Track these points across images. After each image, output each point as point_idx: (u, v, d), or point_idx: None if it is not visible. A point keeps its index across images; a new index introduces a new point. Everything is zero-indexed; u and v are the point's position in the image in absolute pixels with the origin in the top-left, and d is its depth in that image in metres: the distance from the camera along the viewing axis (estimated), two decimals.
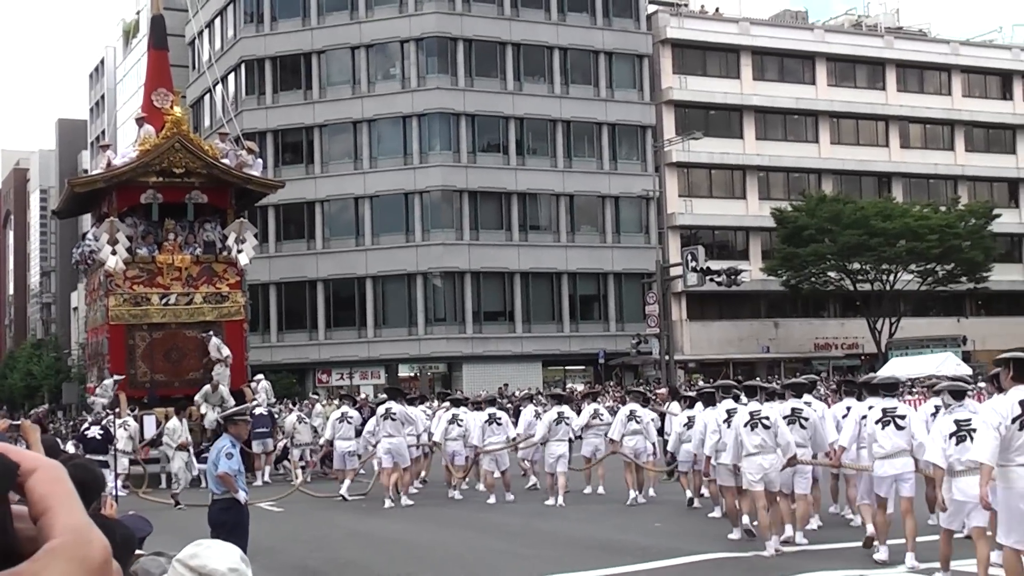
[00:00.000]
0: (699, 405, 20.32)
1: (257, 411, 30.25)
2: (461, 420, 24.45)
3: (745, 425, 15.79)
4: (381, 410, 23.91)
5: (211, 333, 30.81)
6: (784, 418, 16.12)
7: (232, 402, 28.25)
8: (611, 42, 67.93)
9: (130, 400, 30.24)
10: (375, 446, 24.37)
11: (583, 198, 66.60)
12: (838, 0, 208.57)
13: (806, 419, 16.53)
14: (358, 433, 25.90)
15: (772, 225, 66.70)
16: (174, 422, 26.51)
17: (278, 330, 65.32)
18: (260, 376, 33.55)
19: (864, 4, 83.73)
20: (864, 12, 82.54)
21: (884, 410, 14.83)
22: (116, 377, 30.13)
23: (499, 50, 65.67)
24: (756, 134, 71.22)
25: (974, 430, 11.83)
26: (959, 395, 13.16)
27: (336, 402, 47.70)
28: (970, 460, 11.61)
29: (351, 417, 25.83)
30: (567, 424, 23.19)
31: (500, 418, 24.00)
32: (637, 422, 22.76)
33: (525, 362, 63.09)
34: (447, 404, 27.45)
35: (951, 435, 12.30)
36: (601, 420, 24.51)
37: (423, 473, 27.10)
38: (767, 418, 15.78)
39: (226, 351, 30.68)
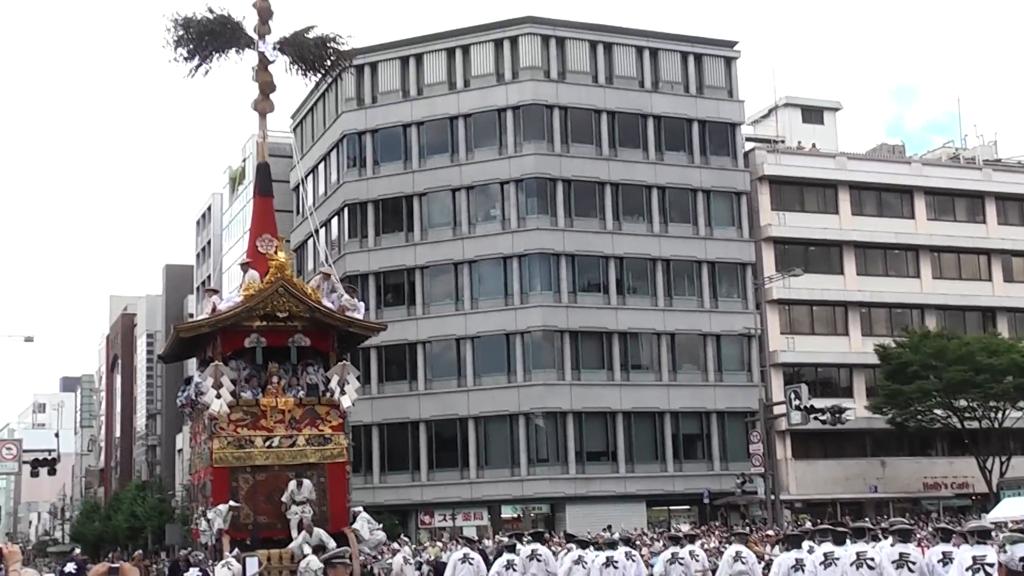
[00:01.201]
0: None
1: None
2: (586, 562, 24.31)
3: (851, 564, 15.97)
4: (527, 551, 23.89)
5: (302, 478, 30.53)
6: (892, 563, 16.24)
7: (332, 544, 28.08)
8: (709, 180, 68.41)
9: (233, 542, 30.15)
10: None
11: (684, 336, 66.58)
12: (935, 133, 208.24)
13: (914, 563, 16.61)
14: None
15: (875, 361, 66.07)
16: (313, 560, 26.00)
17: (380, 471, 65.53)
18: (359, 508, 33.22)
19: (961, 136, 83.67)
20: (961, 144, 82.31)
21: (975, 557, 14.93)
22: (232, 504, 30.00)
23: (598, 190, 66.31)
24: (856, 269, 70.86)
25: None
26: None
27: (439, 543, 47.68)
28: None
29: (472, 559, 25.67)
30: (681, 564, 23.07)
31: (617, 561, 23.82)
32: (743, 563, 22.68)
33: (629, 502, 62.50)
34: (571, 545, 27.30)
35: None
36: (697, 560, 24.32)
37: None
38: (872, 559, 15.98)
39: (314, 495, 30.57)
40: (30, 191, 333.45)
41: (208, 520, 30.18)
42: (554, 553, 28.04)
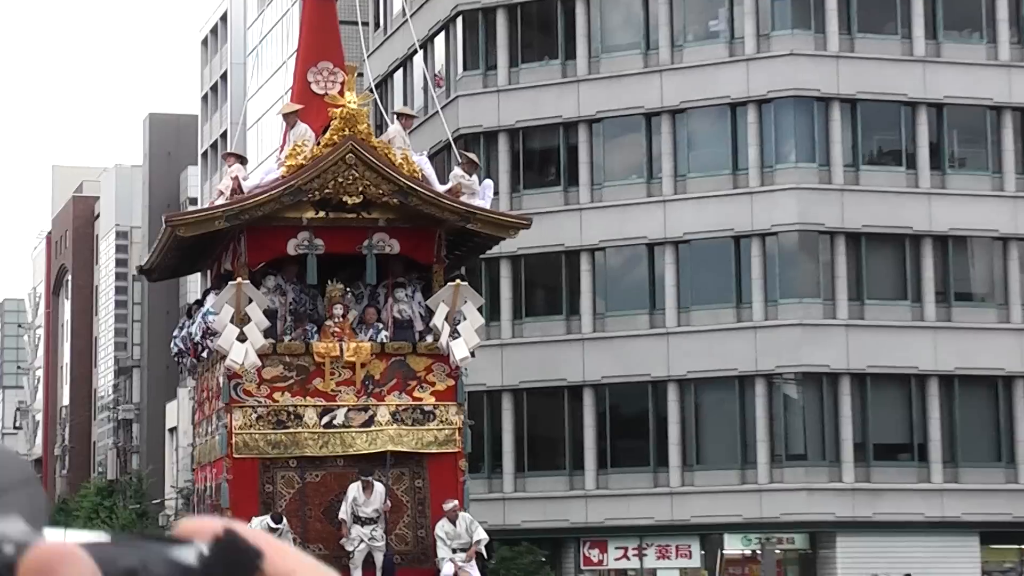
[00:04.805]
0: None
1: None
2: None
3: None
4: None
5: (370, 478, 30.47)
6: None
7: None
8: None
9: None
10: None
11: None
12: None
13: None
14: None
15: None
16: None
17: (516, 472, 65.73)
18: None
19: None
20: None
21: None
22: (271, 524, 29.53)
23: None
24: None
25: None
26: None
27: None
28: None
29: None
30: None
31: None
32: None
33: (947, 534, 61.88)
34: None
35: None
36: None
37: None
38: None
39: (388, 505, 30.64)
40: None
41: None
42: None
